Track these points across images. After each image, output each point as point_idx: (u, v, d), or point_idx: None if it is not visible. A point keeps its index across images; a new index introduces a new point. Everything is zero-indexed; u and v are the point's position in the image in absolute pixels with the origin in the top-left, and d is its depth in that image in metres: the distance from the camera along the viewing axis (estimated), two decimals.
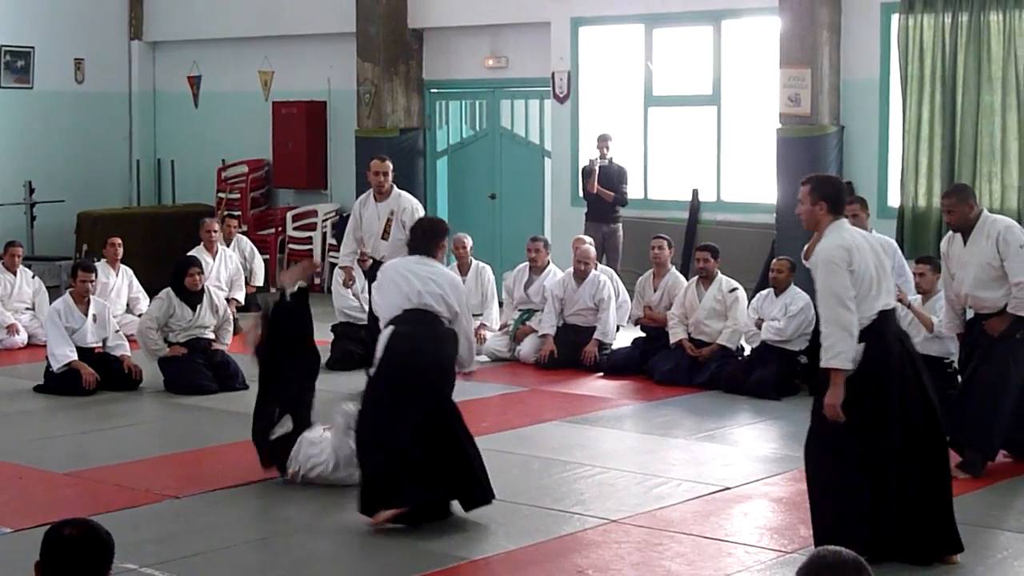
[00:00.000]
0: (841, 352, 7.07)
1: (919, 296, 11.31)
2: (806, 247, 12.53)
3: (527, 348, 13.56)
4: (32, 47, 19.51)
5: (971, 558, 7.53)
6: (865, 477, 7.16)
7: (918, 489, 7.23)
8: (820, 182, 7.69)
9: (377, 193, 12.50)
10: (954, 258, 9.34)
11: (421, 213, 12.39)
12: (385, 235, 12.38)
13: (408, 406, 8.06)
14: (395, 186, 12.62)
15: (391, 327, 8.21)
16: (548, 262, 14.13)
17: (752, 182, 15.57)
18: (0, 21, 19.20)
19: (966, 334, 9.60)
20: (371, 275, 11.46)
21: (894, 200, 14.44)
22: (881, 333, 7.24)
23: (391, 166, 12.65)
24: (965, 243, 9.22)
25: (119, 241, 15.16)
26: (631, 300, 13.65)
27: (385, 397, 8.14)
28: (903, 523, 7.20)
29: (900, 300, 11.22)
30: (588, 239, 14.12)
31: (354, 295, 13.57)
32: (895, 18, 14.30)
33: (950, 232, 9.42)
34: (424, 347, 8.20)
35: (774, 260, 12.68)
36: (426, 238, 8.60)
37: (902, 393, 7.25)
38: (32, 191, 18.89)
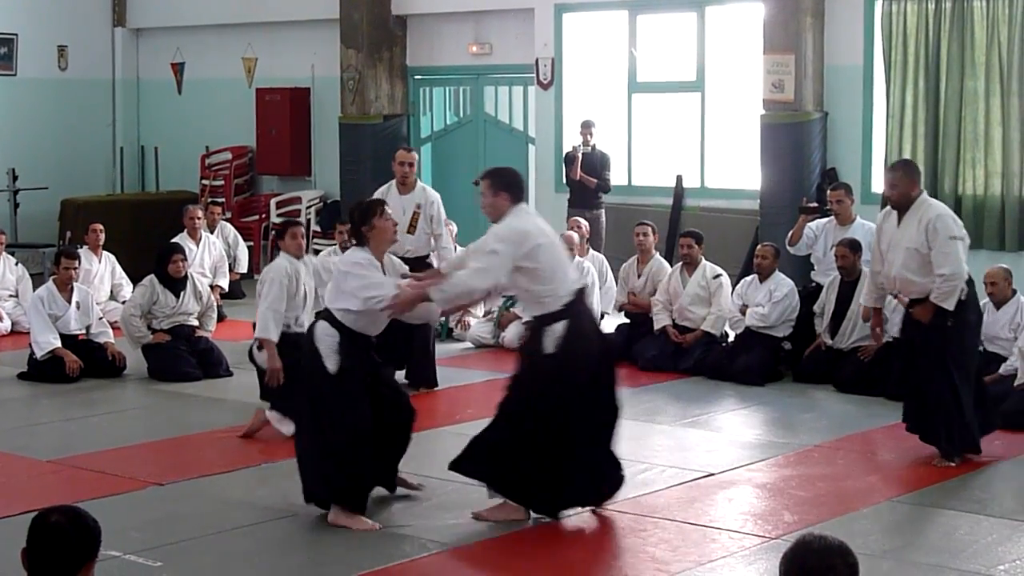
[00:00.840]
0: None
1: None
2: (790, 234, 12.65)
3: (511, 334, 13.53)
4: (15, 34, 19.44)
5: (957, 544, 7.56)
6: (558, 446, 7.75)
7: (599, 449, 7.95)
8: (497, 174, 8.04)
9: (400, 184, 12.04)
10: (886, 235, 9.22)
11: (442, 208, 12.14)
12: (411, 229, 11.88)
13: None
14: (418, 179, 12.19)
15: None
16: None
17: (736, 168, 15.58)
18: None
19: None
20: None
21: (878, 186, 14.43)
22: (578, 312, 7.75)
23: (417, 157, 12.20)
24: (899, 223, 9.12)
25: (101, 227, 15.13)
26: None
27: None
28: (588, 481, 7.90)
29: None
30: (584, 223, 14.10)
31: None
32: (879, 4, 14.30)
33: (888, 207, 9.33)
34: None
35: (758, 246, 12.69)
36: (353, 227, 8.13)
37: (597, 367, 7.91)
38: (15, 178, 18.83)
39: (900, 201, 9.02)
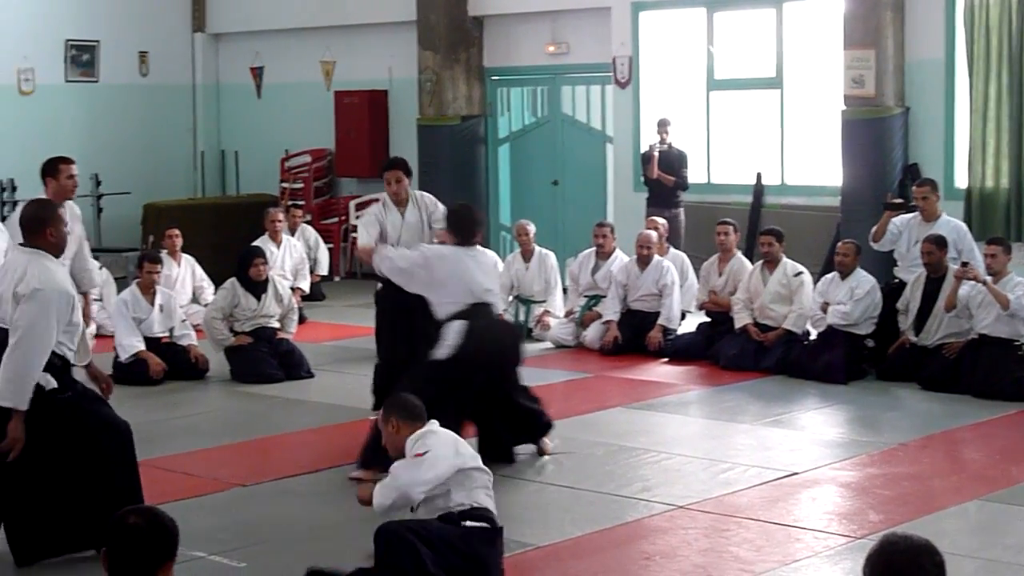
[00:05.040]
0: None
1: (989, 278, 11.21)
2: (874, 229, 12.53)
3: (591, 334, 13.53)
4: (97, 41, 19.66)
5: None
6: None
7: None
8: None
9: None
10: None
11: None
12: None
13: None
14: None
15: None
16: (615, 247, 14.09)
17: (816, 165, 15.46)
18: (66, 15, 19.36)
19: None
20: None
21: (961, 181, 14.29)
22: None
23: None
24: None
25: (177, 232, 15.21)
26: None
27: None
28: None
29: (975, 278, 11.17)
30: (661, 222, 14.07)
31: None
32: None
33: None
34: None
35: (839, 243, 12.58)
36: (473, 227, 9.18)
37: None
38: (99, 183, 19.03)
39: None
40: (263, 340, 12.40)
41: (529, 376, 12.07)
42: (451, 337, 8.80)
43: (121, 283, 15.04)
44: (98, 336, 14.42)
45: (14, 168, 18.38)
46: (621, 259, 13.88)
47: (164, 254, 14.78)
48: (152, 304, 12.48)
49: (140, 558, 3.82)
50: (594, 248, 14.03)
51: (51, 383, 7.00)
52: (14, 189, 18.23)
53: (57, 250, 7.17)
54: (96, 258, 15.36)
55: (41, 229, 7.10)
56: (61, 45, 19.35)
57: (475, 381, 8.86)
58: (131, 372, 12.13)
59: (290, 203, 18.37)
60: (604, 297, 13.71)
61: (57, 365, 7.03)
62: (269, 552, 7.46)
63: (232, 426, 10.88)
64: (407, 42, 18.22)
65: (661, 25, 16.62)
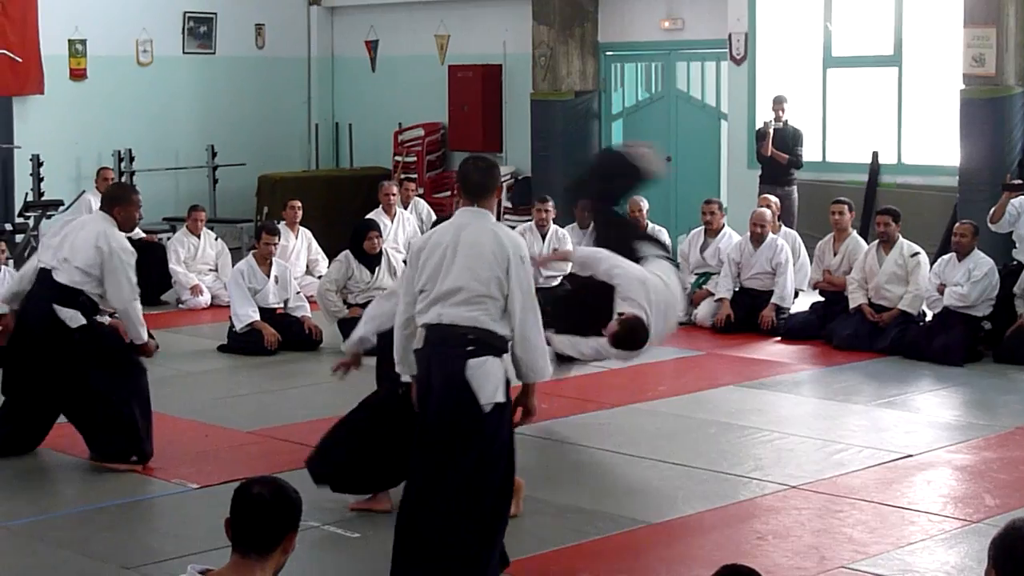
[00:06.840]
0: None
1: None
2: (992, 210, 12.34)
3: (704, 312, 13.47)
4: (215, 13, 19.86)
5: None
6: None
7: None
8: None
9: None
10: None
11: None
12: None
13: None
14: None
15: None
16: (723, 224, 14.01)
17: (934, 144, 15.25)
18: None
19: None
20: None
21: None
22: None
23: None
24: None
25: (298, 204, 15.37)
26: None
27: None
28: None
29: None
30: (774, 200, 13.97)
31: None
32: None
33: None
34: None
35: (957, 224, 12.42)
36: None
37: None
38: (215, 154, 19.27)
39: None
40: None
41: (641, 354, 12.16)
42: None
43: (235, 253, 15.22)
44: (213, 306, 14.65)
45: (132, 138, 18.66)
46: (730, 236, 13.81)
47: (283, 224, 14.93)
48: (268, 275, 12.62)
49: (264, 528, 3.87)
50: (703, 226, 13.98)
51: (79, 321, 8.49)
52: (131, 159, 18.50)
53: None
54: (211, 229, 15.67)
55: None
56: (179, 17, 19.57)
57: None
58: (246, 342, 12.28)
59: (403, 176, 18.47)
60: (714, 274, 13.66)
61: (87, 306, 8.56)
62: (382, 522, 7.50)
63: (345, 397, 10.91)
64: (522, 17, 18.22)
65: (778, 1, 16.46)
